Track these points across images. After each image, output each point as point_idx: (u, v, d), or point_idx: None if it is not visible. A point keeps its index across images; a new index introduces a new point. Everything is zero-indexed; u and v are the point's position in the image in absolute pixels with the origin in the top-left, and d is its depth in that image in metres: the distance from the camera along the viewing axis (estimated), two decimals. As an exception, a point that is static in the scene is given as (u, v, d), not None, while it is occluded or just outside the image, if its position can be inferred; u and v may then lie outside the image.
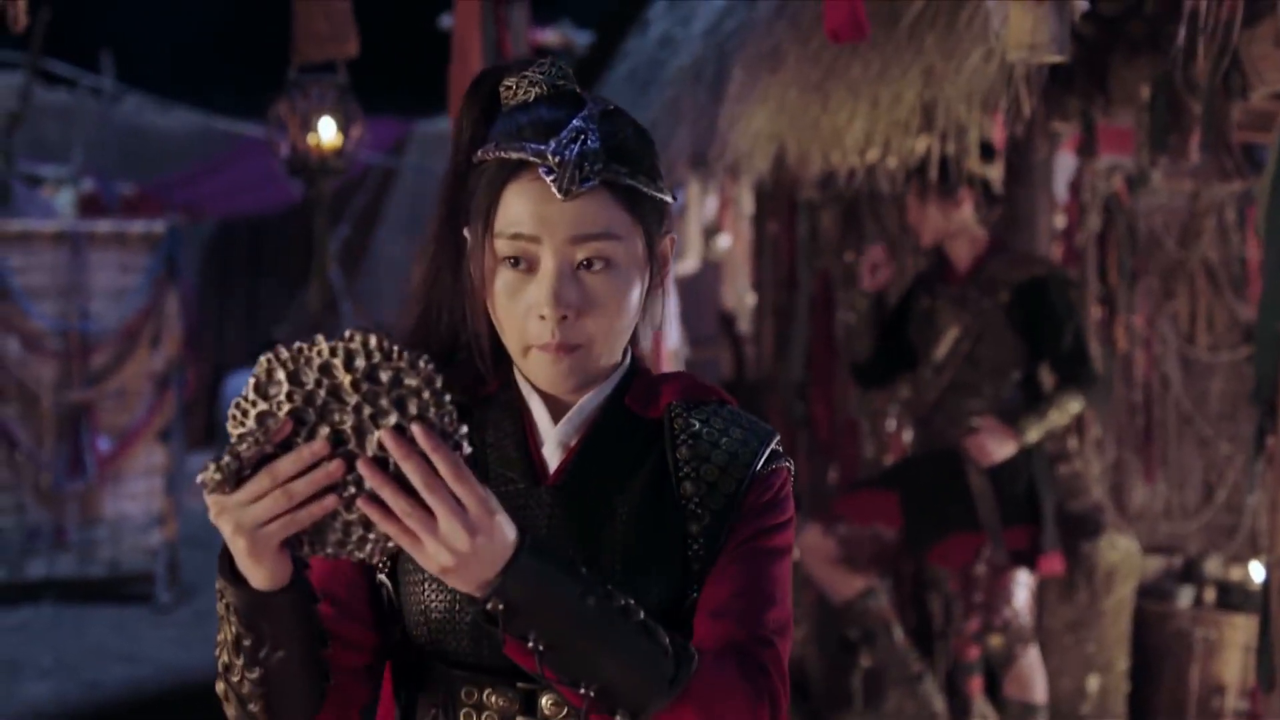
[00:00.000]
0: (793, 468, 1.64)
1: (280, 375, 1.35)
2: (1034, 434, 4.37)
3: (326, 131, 5.04)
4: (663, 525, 1.56)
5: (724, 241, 10.80)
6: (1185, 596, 5.01)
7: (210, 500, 1.36)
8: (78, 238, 7.68)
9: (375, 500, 1.35)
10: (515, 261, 1.52)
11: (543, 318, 1.51)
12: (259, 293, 13.88)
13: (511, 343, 1.56)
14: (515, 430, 1.60)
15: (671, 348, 7.33)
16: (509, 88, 1.59)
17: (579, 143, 1.51)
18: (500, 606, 1.37)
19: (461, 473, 1.33)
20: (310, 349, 1.35)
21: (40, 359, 7.54)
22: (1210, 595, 5.01)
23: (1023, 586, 4.43)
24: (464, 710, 1.55)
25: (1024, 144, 4.95)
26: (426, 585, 1.55)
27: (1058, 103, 4.71)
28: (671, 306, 7.13)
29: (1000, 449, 4.36)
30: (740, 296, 10.44)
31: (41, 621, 7.34)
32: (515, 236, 1.51)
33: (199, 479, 1.35)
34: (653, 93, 7.76)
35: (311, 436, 1.36)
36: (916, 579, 5.42)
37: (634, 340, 1.65)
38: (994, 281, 4.50)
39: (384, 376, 1.34)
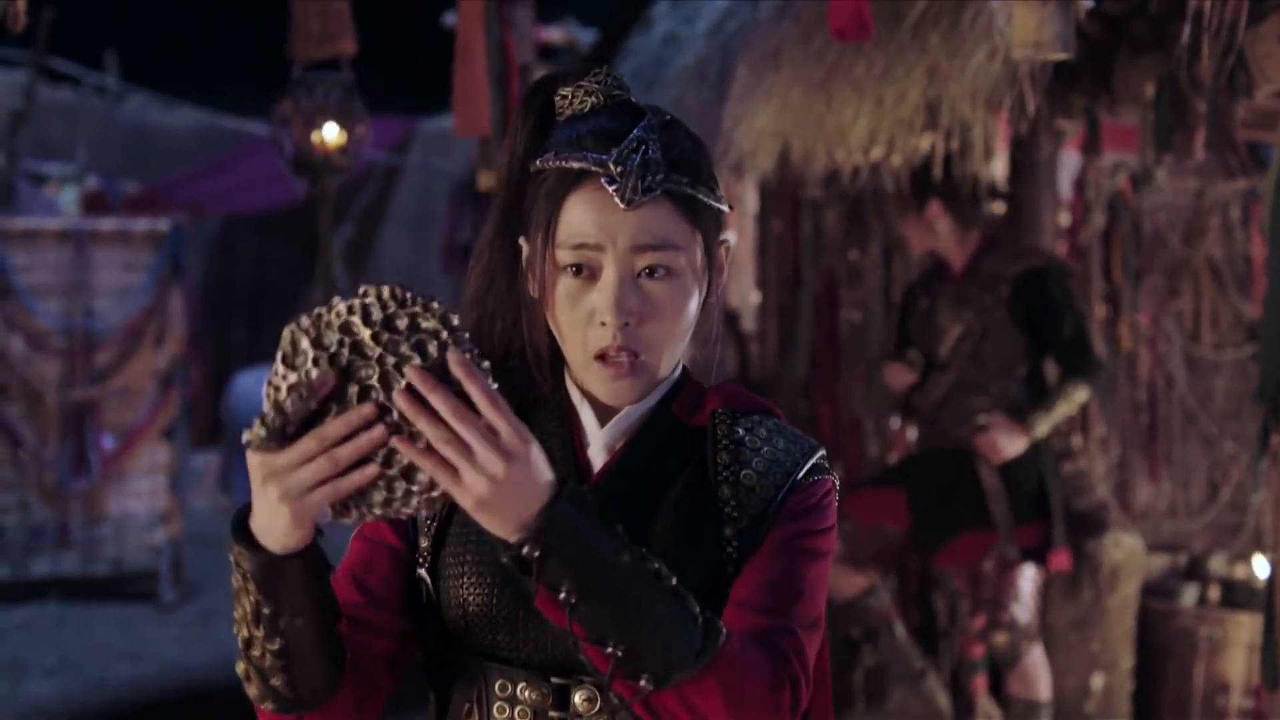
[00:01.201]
0: (838, 481, 1.64)
1: (304, 343, 1.36)
2: (1043, 428, 4.37)
3: (330, 130, 5.04)
4: (700, 528, 1.57)
5: (728, 239, 10.80)
6: (1190, 595, 5.01)
7: (257, 462, 1.36)
8: (82, 236, 7.68)
9: (411, 439, 1.35)
10: (577, 270, 1.54)
11: (604, 324, 1.53)
12: (263, 291, 13.87)
13: (574, 351, 1.58)
14: (562, 431, 1.62)
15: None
16: (564, 97, 1.61)
17: (640, 153, 1.53)
18: (535, 552, 1.36)
19: (495, 398, 1.34)
20: (329, 312, 1.37)
21: (44, 357, 7.54)
22: (1214, 593, 5.01)
23: (1029, 583, 4.43)
24: (497, 704, 1.56)
25: (1028, 142, 4.95)
26: (465, 579, 1.57)
27: (1062, 101, 4.71)
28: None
29: (1011, 445, 4.36)
30: (744, 295, 10.43)
31: (46, 620, 7.34)
32: (578, 246, 1.53)
33: (244, 438, 1.34)
34: (657, 91, 7.76)
35: (343, 397, 1.36)
36: (921, 576, 5.42)
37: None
38: (993, 277, 4.51)
39: (401, 324, 1.35)
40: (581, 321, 1.55)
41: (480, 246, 1.65)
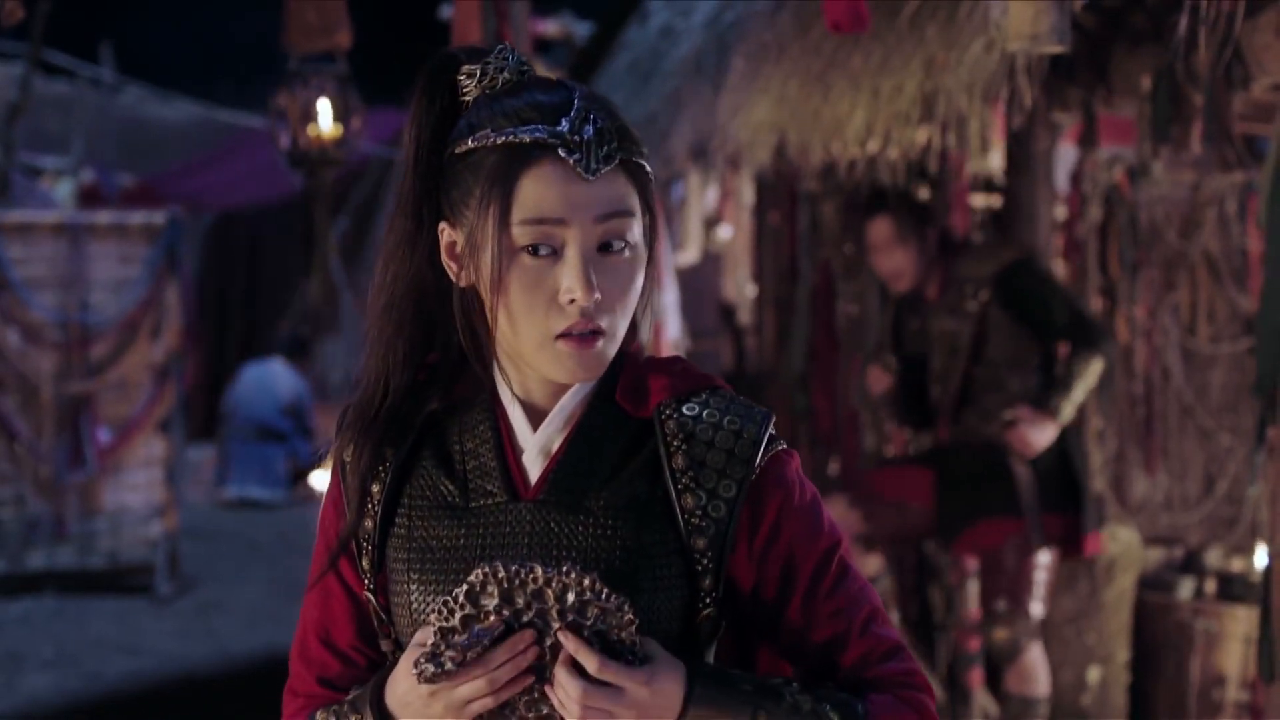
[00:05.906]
0: (785, 448, 1.56)
1: (494, 593, 1.43)
2: (1068, 410, 4.38)
3: (325, 122, 5.03)
4: (662, 544, 1.50)
5: (725, 233, 10.79)
6: (1186, 588, 5.01)
7: (425, 690, 1.44)
8: (77, 229, 7.67)
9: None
10: (535, 249, 1.45)
11: (573, 302, 1.45)
12: (259, 284, 13.86)
13: (529, 335, 1.48)
14: (493, 436, 1.53)
15: (672, 339, 7.33)
16: (470, 75, 1.53)
17: (590, 122, 1.46)
18: None
19: (606, 668, 1.42)
20: (526, 573, 1.43)
21: (40, 350, 7.54)
22: (1211, 587, 5.01)
23: (1045, 575, 4.43)
24: None
25: (1025, 135, 4.94)
26: (412, 595, 1.52)
27: (1059, 93, 4.70)
28: (672, 298, 7.12)
29: (1042, 436, 4.37)
30: (741, 288, 10.42)
31: (42, 613, 7.34)
32: (539, 222, 1.44)
33: (418, 671, 1.43)
34: (654, 84, 7.76)
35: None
36: (918, 570, 5.42)
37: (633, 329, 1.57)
38: (971, 282, 4.53)
39: (591, 613, 1.43)
40: (542, 304, 1.46)
41: (393, 245, 1.54)
